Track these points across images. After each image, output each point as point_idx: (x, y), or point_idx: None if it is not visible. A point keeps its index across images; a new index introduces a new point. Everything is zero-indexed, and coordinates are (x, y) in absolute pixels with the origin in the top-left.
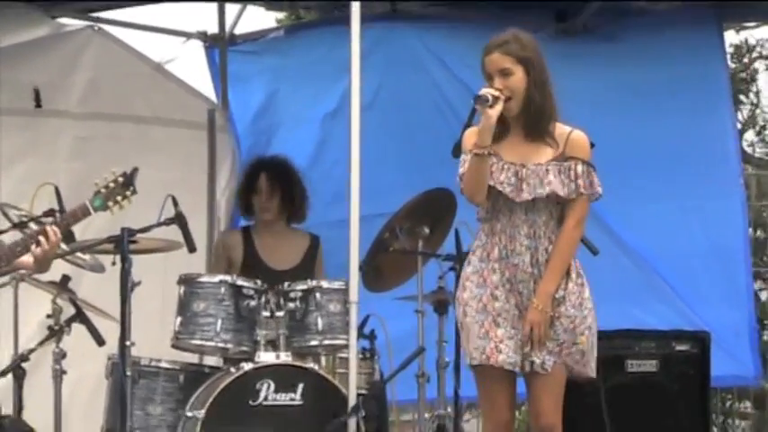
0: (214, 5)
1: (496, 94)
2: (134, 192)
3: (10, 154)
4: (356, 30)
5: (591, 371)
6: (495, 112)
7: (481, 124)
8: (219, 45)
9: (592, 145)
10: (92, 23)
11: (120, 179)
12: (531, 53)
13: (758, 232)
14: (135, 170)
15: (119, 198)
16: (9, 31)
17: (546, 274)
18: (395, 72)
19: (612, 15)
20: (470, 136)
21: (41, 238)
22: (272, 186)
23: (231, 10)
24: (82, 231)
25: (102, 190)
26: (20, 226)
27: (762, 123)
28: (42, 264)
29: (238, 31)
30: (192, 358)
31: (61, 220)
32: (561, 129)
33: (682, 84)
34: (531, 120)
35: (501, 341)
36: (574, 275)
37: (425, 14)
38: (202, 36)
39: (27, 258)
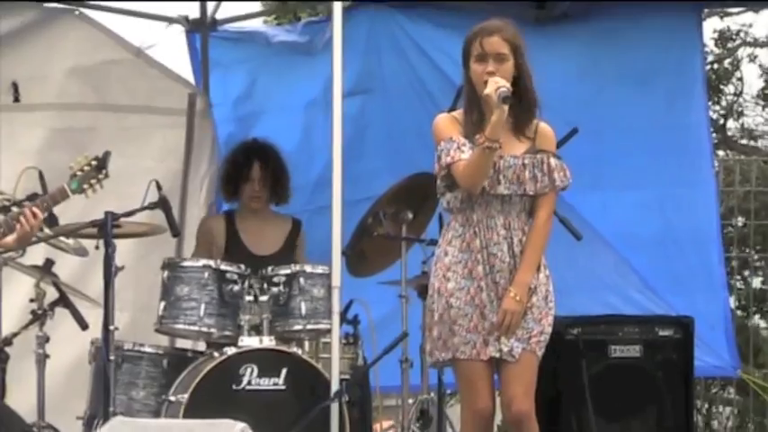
0: None
1: (511, 89)
2: (106, 175)
3: None
4: (338, 14)
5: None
6: (506, 107)
7: (495, 118)
8: (201, 30)
9: (574, 132)
10: (73, 8)
11: (94, 162)
12: (521, 40)
13: (741, 219)
14: (107, 153)
15: (92, 181)
16: None
17: (522, 265)
18: (375, 57)
19: (591, 2)
20: (449, 124)
21: (22, 219)
22: (264, 175)
23: None
24: (64, 216)
25: (78, 173)
26: (3, 210)
27: (739, 110)
28: (22, 242)
29: (221, 15)
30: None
31: (41, 202)
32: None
33: (657, 72)
34: (522, 109)
35: (489, 333)
36: (542, 267)
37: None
38: (184, 21)
39: (9, 238)
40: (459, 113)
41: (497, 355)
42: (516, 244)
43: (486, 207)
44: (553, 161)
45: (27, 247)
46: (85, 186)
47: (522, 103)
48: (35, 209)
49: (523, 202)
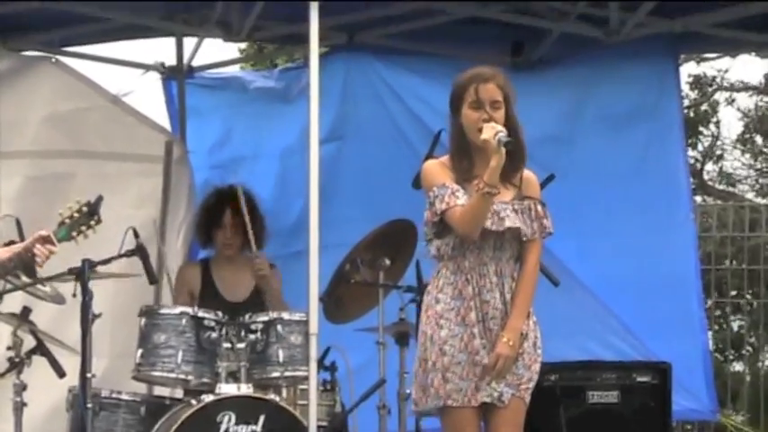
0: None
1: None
2: (99, 221)
3: None
4: (315, 61)
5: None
6: (504, 151)
7: (494, 164)
8: (177, 77)
9: (551, 178)
10: (49, 55)
11: (85, 209)
12: (512, 91)
13: (725, 263)
14: (100, 198)
15: (83, 228)
16: None
17: (513, 311)
18: (352, 104)
19: (569, 47)
20: (440, 170)
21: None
22: (236, 223)
23: (190, 41)
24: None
25: (67, 220)
26: None
27: (719, 153)
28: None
29: (197, 62)
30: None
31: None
32: None
33: (634, 117)
34: (512, 158)
35: (480, 378)
36: (530, 314)
37: (382, 46)
38: (160, 67)
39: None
40: (446, 159)
41: (488, 400)
42: (507, 290)
43: (479, 254)
44: (540, 208)
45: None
46: (74, 234)
47: (512, 152)
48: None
49: (512, 249)
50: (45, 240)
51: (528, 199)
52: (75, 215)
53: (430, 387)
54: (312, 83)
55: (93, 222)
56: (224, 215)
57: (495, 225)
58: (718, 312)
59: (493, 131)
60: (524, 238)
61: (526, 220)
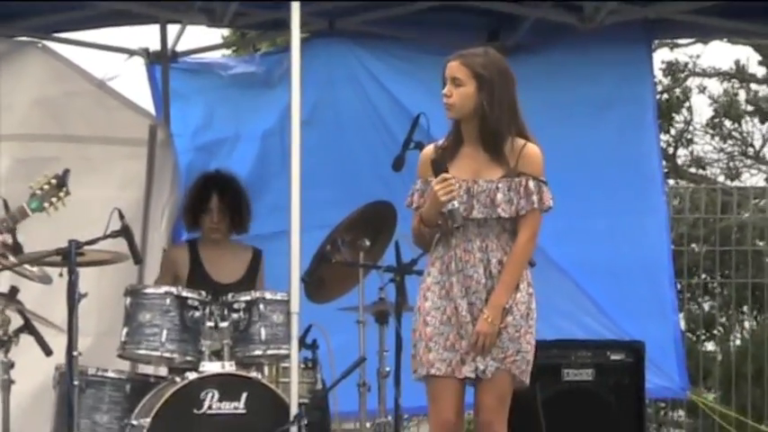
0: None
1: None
2: (67, 192)
3: None
4: (296, 46)
5: (527, 379)
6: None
7: (425, 211)
8: (161, 62)
9: None
10: (36, 40)
11: (54, 181)
12: (491, 73)
13: (692, 246)
14: (66, 171)
15: (53, 199)
16: None
17: (498, 287)
18: (331, 88)
19: (544, 34)
20: (422, 163)
21: None
22: (222, 208)
23: (173, 27)
24: (28, 244)
25: (38, 192)
26: None
27: (689, 138)
28: None
29: (181, 47)
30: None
31: (2, 223)
32: (516, 142)
33: (609, 102)
34: (487, 137)
35: (467, 353)
36: (524, 285)
37: (362, 32)
38: (145, 53)
39: None
40: (441, 140)
41: (473, 375)
42: (494, 265)
43: (464, 230)
44: (531, 184)
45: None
46: (46, 205)
47: (485, 131)
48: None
49: (501, 224)
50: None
51: (522, 175)
52: (45, 187)
53: (419, 356)
54: (293, 67)
55: (62, 194)
56: (210, 200)
57: (466, 211)
58: (689, 293)
59: (447, 197)
60: (506, 216)
61: (513, 197)
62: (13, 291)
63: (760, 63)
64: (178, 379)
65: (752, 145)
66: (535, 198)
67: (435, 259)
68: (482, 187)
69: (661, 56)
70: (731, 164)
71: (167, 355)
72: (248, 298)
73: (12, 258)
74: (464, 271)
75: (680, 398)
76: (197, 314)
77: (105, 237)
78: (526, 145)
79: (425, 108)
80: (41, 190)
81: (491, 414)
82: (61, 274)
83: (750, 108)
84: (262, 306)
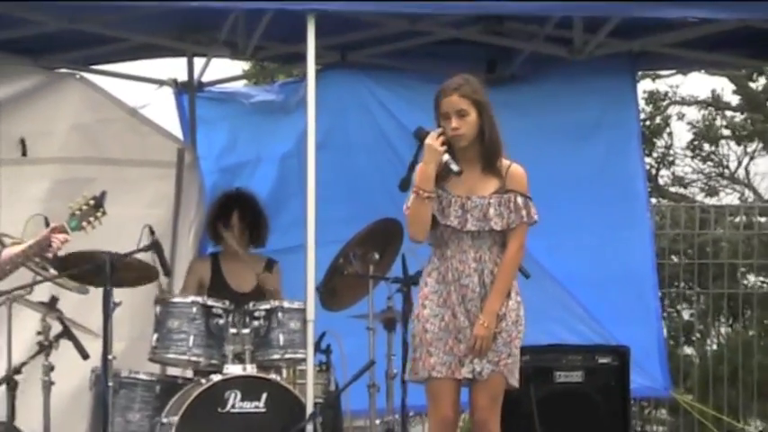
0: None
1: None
2: (104, 213)
3: None
4: (311, 77)
5: (516, 381)
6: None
7: (427, 170)
8: (188, 91)
9: None
10: (73, 72)
11: (92, 202)
12: (482, 96)
13: (673, 258)
14: (104, 193)
15: (91, 219)
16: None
17: (491, 295)
18: (343, 115)
19: (537, 65)
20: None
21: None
22: (243, 223)
23: (199, 60)
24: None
25: (77, 212)
26: None
27: (671, 159)
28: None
29: (206, 78)
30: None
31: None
32: (502, 162)
33: (597, 127)
34: (486, 154)
35: (465, 355)
36: (513, 294)
37: (371, 64)
38: (173, 83)
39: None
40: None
41: (470, 375)
42: (487, 275)
43: (459, 243)
44: (519, 200)
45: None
46: (84, 224)
47: (484, 148)
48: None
49: (493, 237)
50: (60, 230)
51: (510, 192)
52: (84, 208)
53: (419, 360)
54: (309, 96)
55: (99, 214)
56: (232, 217)
57: (461, 224)
58: (670, 302)
59: (438, 149)
60: (498, 229)
61: (503, 211)
62: (53, 300)
63: (734, 92)
64: (204, 380)
65: (727, 167)
66: (524, 213)
67: (432, 270)
68: (475, 203)
69: (644, 86)
70: (709, 184)
71: (194, 358)
72: (268, 307)
73: (51, 271)
74: (460, 280)
75: (663, 397)
76: (221, 321)
77: (137, 251)
78: (512, 165)
79: None
80: (80, 210)
81: (486, 413)
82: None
83: (726, 133)
84: (280, 314)
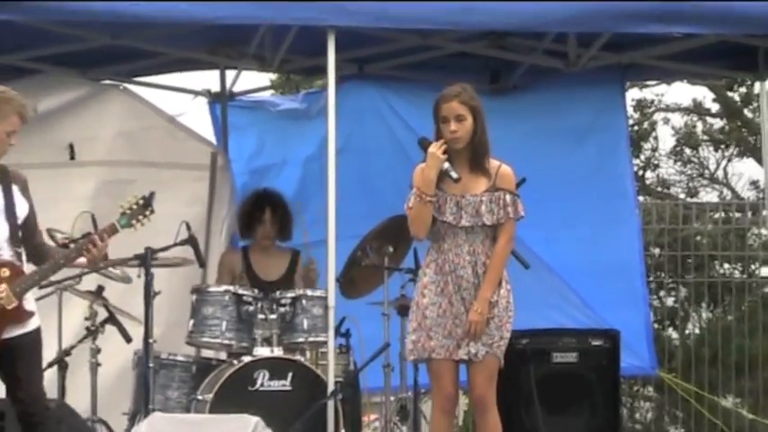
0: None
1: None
2: (152, 211)
3: (46, 199)
4: (332, 87)
5: (502, 362)
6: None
7: (428, 175)
8: (221, 101)
9: (523, 180)
10: (117, 83)
11: (141, 201)
12: (477, 102)
13: (658, 250)
14: (153, 193)
15: (140, 217)
16: (49, 95)
17: (484, 284)
18: (361, 121)
19: (536, 76)
20: (416, 174)
21: (91, 246)
22: (273, 219)
23: (231, 72)
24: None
25: (127, 211)
26: (64, 246)
27: (655, 163)
28: (91, 264)
29: (237, 89)
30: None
31: (99, 233)
32: (493, 163)
33: (590, 132)
34: (476, 155)
35: (461, 338)
36: (504, 283)
37: (386, 75)
38: (207, 93)
39: (82, 260)
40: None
41: (466, 357)
42: (480, 266)
43: (455, 238)
44: (508, 197)
45: (94, 269)
46: (134, 222)
47: (475, 150)
48: (96, 238)
49: (485, 232)
50: (112, 231)
51: (500, 190)
52: (134, 207)
53: (418, 343)
54: (330, 104)
55: (148, 213)
56: (264, 213)
57: (456, 220)
58: (656, 289)
59: (440, 157)
60: (489, 224)
61: (494, 208)
62: (100, 289)
63: (714, 100)
64: (235, 362)
65: (707, 168)
66: (510, 209)
67: (430, 262)
68: (468, 201)
69: (632, 94)
70: (690, 184)
71: (226, 342)
72: (293, 295)
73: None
74: (456, 271)
75: (650, 375)
76: (251, 308)
77: (175, 245)
78: (501, 166)
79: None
80: (130, 210)
81: (483, 389)
82: (139, 275)
83: (706, 138)
84: (304, 301)
